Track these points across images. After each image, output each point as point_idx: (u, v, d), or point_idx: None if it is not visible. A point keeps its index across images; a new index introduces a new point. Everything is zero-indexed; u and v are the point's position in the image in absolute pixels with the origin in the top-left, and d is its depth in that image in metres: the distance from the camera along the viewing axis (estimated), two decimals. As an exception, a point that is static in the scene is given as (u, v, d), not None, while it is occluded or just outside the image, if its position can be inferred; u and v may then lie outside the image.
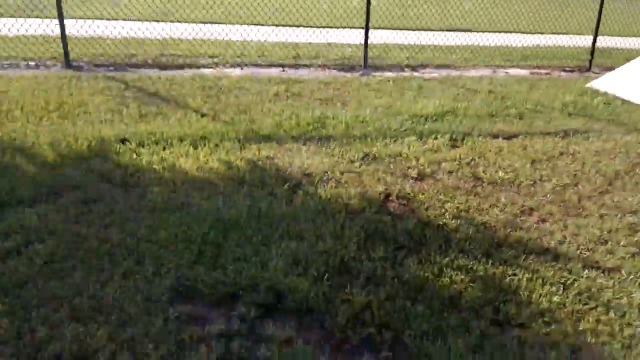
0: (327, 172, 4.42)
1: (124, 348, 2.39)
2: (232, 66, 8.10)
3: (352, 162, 4.69)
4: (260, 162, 4.53)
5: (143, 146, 4.65)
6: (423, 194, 4.18)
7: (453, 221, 3.77)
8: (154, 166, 4.29)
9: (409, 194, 4.15)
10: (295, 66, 8.34)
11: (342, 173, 4.44)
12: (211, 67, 7.92)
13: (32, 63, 7.54)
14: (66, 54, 7.56)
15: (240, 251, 3.17)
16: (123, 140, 4.72)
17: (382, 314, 2.70)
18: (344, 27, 11.00)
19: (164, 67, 7.76)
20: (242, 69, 8.00)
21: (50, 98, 5.83)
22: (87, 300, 2.69)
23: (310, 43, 9.53)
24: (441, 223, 3.73)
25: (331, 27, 11.08)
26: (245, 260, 3.08)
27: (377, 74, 8.22)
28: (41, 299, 2.68)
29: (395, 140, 5.27)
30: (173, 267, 2.99)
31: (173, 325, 2.55)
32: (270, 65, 8.24)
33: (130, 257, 3.07)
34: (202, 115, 5.58)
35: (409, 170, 4.63)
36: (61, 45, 7.50)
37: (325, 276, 2.99)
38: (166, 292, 2.79)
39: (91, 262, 3.01)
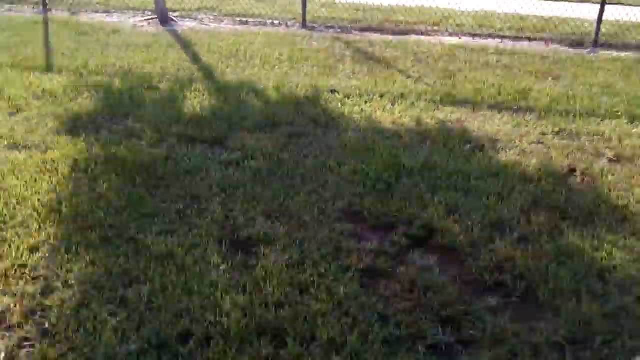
0: (514, 141, 4.48)
1: (294, 244, 3.00)
2: (450, 35, 8.27)
3: (544, 134, 4.64)
4: (449, 123, 4.78)
5: (348, 98, 5.26)
6: (613, 174, 3.99)
7: (638, 205, 3.58)
8: (354, 115, 4.87)
9: (597, 172, 4.01)
10: (516, 38, 8.14)
11: (529, 144, 4.45)
12: (429, 35, 8.20)
13: (276, 22, 8.76)
14: (304, 16, 8.59)
15: (406, 192, 3.55)
16: (333, 91, 5.39)
17: (523, 267, 2.84)
18: (580, 2, 10.18)
19: (384, 32, 8.30)
20: (459, 37, 8.12)
21: (284, 51, 6.82)
22: (277, 206, 3.38)
23: (536, 16, 9.11)
24: (622, 204, 3.58)
25: (565, 1, 10.35)
26: (408, 200, 3.46)
27: (607, 52, 7.58)
28: (245, 198, 3.45)
29: (601, 120, 4.99)
30: (347, 195, 3.52)
31: (335, 237, 3.08)
32: (489, 36, 8.19)
33: (316, 181, 3.69)
34: (407, 77, 5.98)
35: (606, 150, 4.41)
36: (305, 9, 8.55)
37: (479, 226, 3.21)
38: (337, 212, 3.34)
39: (286, 180, 3.70)
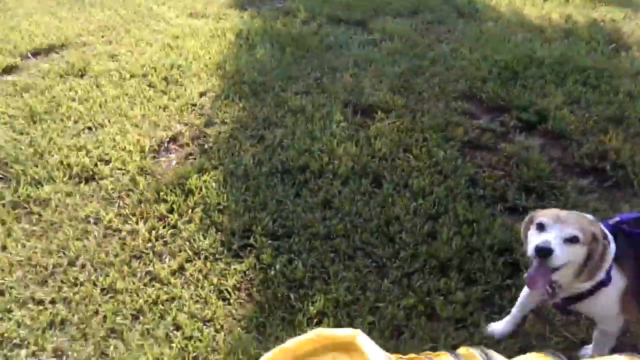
0: (671, 45, 4.20)
1: (409, 114, 3.37)
2: None
3: None
4: (601, 22, 4.57)
5: (499, -10, 5.20)
6: None
7: None
8: (501, 8, 4.86)
9: None
10: None
11: (689, 49, 4.14)
12: None
13: None
14: None
15: (530, 82, 3.66)
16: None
17: (628, 158, 2.91)
18: None
19: None
20: None
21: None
22: (402, 82, 3.72)
23: None
24: None
25: None
26: (529, 89, 3.58)
27: None
28: (374, 73, 3.84)
29: None
30: (469, 78, 3.73)
31: (448, 112, 3.37)
32: None
33: (444, 64, 3.93)
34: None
35: None
36: None
37: (595, 119, 3.26)
38: (456, 92, 3.60)
39: (416, 61, 4.00)
